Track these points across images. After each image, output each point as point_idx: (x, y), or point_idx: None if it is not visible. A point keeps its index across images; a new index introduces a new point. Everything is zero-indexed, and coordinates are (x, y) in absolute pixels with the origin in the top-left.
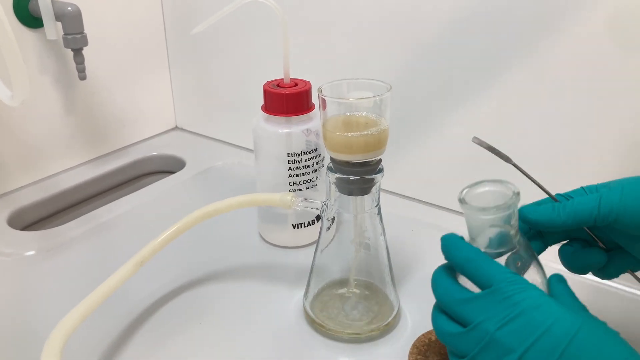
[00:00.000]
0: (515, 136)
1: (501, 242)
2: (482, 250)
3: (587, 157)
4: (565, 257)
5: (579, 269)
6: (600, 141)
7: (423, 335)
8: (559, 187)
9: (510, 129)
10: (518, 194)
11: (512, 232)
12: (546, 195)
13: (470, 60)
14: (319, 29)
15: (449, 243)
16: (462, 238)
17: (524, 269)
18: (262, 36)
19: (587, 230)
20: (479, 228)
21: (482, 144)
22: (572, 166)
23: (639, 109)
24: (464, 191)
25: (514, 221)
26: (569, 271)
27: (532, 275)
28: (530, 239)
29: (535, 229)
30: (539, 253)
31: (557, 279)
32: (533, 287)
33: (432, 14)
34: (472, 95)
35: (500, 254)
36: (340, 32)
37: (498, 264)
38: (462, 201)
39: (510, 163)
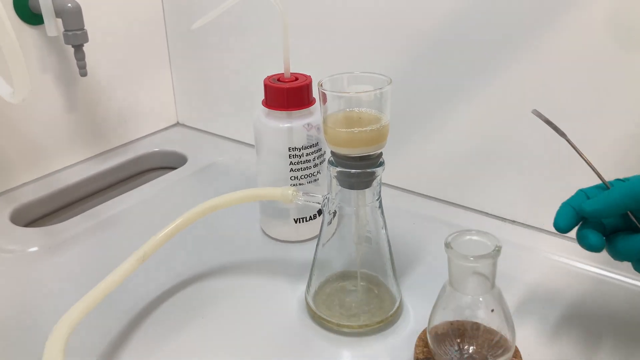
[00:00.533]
0: (516, 129)
1: (477, 288)
2: (458, 293)
3: (588, 152)
4: (612, 242)
5: (626, 253)
6: (601, 137)
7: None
8: (560, 183)
9: (511, 123)
10: (499, 249)
11: (490, 281)
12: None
13: (471, 54)
14: (319, 23)
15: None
16: None
17: (498, 315)
18: (263, 31)
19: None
20: (460, 273)
21: (540, 116)
22: (573, 162)
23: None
24: (451, 237)
25: (493, 271)
26: (613, 259)
27: (501, 322)
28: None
29: (596, 219)
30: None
31: None
32: None
33: (433, 6)
34: (473, 89)
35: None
36: (341, 25)
37: None
38: (447, 246)
39: (565, 139)
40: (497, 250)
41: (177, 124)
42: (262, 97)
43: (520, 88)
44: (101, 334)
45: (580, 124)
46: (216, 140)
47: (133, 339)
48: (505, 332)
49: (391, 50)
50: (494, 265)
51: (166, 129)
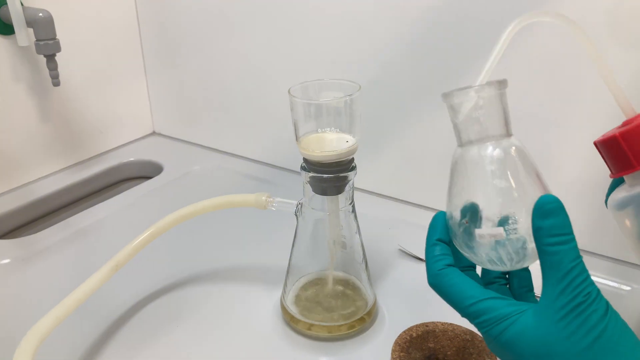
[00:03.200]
0: None
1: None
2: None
3: (553, 159)
4: None
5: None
6: (564, 144)
7: (404, 332)
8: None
9: None
10: (505, 82)
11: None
12: None
13: (447, 59)
14: (291, 30)
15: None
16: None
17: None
18: (239, 39)
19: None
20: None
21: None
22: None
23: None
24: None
25: (500, 113)
26: None
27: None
28: None
29: None
30: None
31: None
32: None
33: (409, 11)
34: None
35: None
36: (314, 32)
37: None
38: (445, 96)
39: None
40: (501, 83)
41: (153, 133)
42: (237, 104)
43: None
44: (73, 346)
45: (545, 130)
46: (192, 149)
47: (107, 348)
48: None
49: (367, 57)
50: (501, 103)
51: (142, 138)
